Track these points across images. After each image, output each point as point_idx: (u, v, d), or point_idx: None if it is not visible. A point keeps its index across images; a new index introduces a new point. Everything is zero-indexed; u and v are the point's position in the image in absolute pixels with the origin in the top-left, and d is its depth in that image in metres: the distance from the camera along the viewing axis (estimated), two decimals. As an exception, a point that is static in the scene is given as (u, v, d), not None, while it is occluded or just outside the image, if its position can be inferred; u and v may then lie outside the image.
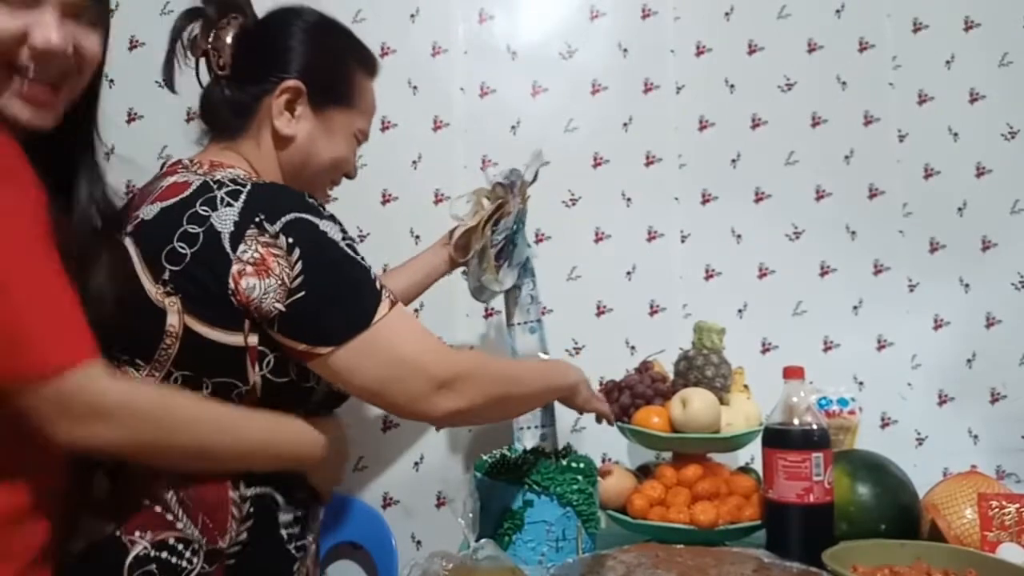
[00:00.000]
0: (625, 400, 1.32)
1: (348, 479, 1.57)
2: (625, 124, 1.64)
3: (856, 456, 1.24)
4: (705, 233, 1.62)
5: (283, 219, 0.88)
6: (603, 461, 1.53)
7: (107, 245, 0.88)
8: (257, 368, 0.89)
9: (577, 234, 1.62)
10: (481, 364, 0.99)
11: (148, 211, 0.91)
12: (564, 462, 1.20)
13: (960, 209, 1.62)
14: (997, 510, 1.08)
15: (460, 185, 1.55)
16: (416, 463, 1.59)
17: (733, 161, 1.64)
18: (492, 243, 1.31)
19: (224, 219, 0.88)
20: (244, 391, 0.89)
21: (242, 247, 0.86)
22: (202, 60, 1.03)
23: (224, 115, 1.02)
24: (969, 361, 1.60)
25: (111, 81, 1.60)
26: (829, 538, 1.09)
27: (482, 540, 1.02)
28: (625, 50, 1.65)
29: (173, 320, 0.86)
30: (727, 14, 1.65)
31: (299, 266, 0.86)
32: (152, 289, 0.87)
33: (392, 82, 1.62)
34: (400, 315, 0.91)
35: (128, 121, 1.61)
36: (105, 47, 0.89)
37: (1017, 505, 1.08)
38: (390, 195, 1.61)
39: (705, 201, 1.63)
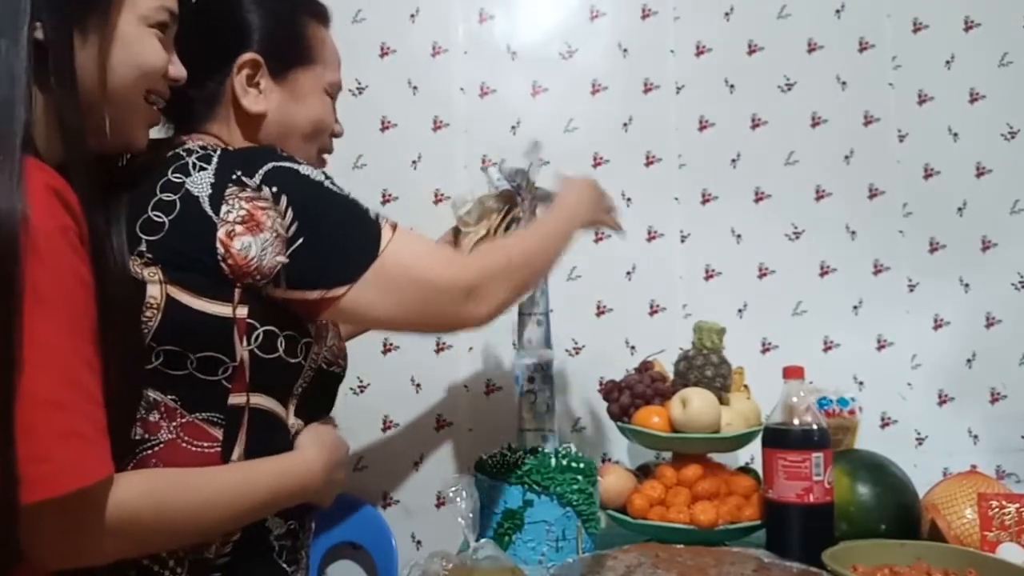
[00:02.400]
0: (625, 400, 1.32)
1: (348, 479, 1.57)
2: (625, 124, 1.64)
3: (856, 456, 1.24)
4: (705, 233, 1.62)
5: (262, 170, 0.84)
6: (603, 461, 1.53)
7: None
8: (245, 342, 0.84)
9: (577, 234, 1.61)
10: (497, 259, 0.95)
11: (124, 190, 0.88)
12: (564, 462, 1.19)
13: (960, 209, 1.62)
14: (997, 510, 1.08)
15: (460, 185, 1.56)
16: (416, 463, 1.59)
17: (733, 161, 1.64)
18: None
19: (200, 183, 0.84)
20: (231, 368, 0.85)
21: (224, 208, 0.82)
22: None
23: (190, 109, 0.98)
24: (969, 361, 1.60)
25: None
26: (829, 538, 1.09)
27: (482, 540, 1.02)
28: (625, 50, 1.65)
29: (154, 291, 0.82)
30: (727, 14, 1.65)
31: (290, 213, 0.83)
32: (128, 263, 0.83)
33: (392, 82, 1.63)
34: (405, 237, 0.89)
35: None
36: None
37: (1017, 505, 1.08)
38: (390, 195, 1.61)
39: (705, 201, 1.63)
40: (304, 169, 0.87)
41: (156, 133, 0.99)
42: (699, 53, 1.65)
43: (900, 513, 1.16)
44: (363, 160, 1.61)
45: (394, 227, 0.88)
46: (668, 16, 1.65)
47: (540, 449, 1.24)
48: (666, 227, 1.62)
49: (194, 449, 0.84)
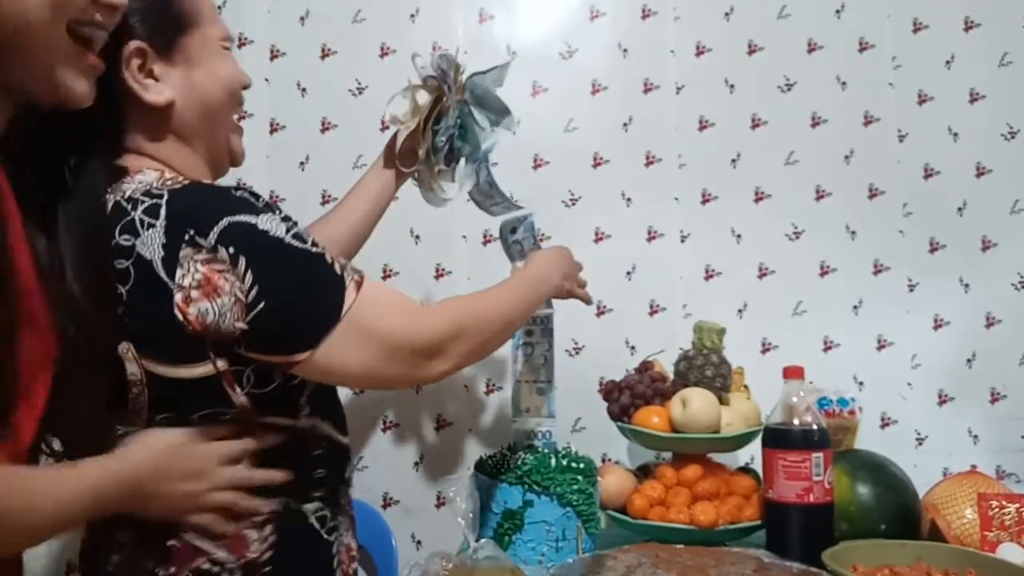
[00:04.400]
0: (625, 400, 1.32)
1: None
2: (625, 124, 1.64)
3: (856, 456, 1.24)
4: (705, 233, 1.62)
5: (216, 227, 0.78)
6: (603, 461, 1.53)
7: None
8: (239, 389, 0.82)
9: (577, 234, 1.61)
10: (461, 317, 0.93)
11: None
12: (564, 462, 1.19)
13: (960, 209, 1.62)
14: (997, 510, 1.08)
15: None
16: (416, 463, 1.59)
17: (733, 161, 1.64)
18: (435, 147, 1.20)
19: (150, 243, 0.78)
20: (231, 414, 0.84)
21: (180, 272, 0.77)
22: None
23: (106, 131, 0.86)
24: (969, 361, 1.60)
25: None
26: (829, 538, 1.09)
27: (482, 540, 1.02)
28: (625, 50, 1.65)
29: (132, 368, 0.79)
30: (727, 14, 1.65)
31: (249, 276, 0.78)
32: None
33: (392, 82, 1.62)
34: (369, 293, 0.85)
35: None
36: None
37: (1017, 505, 1.08)
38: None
39: (705, 201, 1.63)
40: (263, 223, 0.80)
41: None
42: (699, 53, 1.65)
43: (900, 513, 1.17)
44: (363, 160, 1.61)
45: (359, 283, 0.85)
46: (668, 16, 1.65)
47: (536, 440, 1.23)
48: (666, 227, 1.62)
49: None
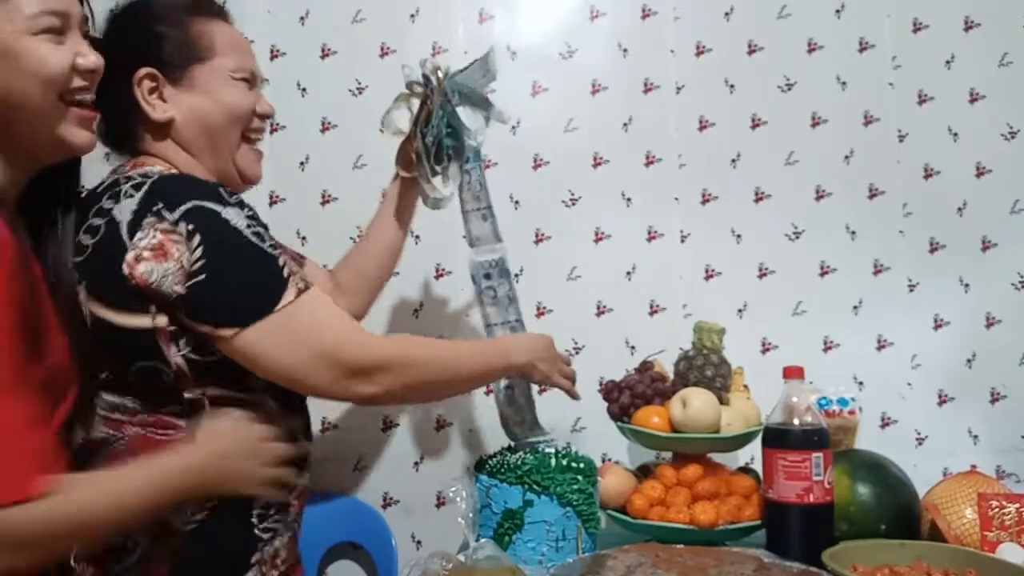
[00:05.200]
0: (625, 400, 1.32)
1: (348, 479, 1.57)
2: (625, 124, 1.64)
3: (856, 456, 1.24)
4: (705, 233, 1.62)
5: (182, 207, 0.88)
6: (603, 461, 1.53)
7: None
8: (174, 349, 0.89)
9: (577, 234, 1.62)
10: (403, 353, 0.98)
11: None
12: (564, 462, 1.19)
13: (960, 209, 1.62)
14: (997, 510, 1.08)
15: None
16: (416, 463, 1.59)
17: (733, 161, 1.64)
18: (425, 148, 1.23)
19: (124, 210, 0.89)
20: (172, 375, 0.90)
21: (139, 234, 0.87)
22: None
23: (124, 138, 1.02)
24: (969, 361, 1.60)
25: None
26: (829, 538, 1.09)
27: (482, 540, 1.02)
28: (625, 50, 1.65)
29: (84, 310, 0.88)
30: (727, 14, 1.65)
31: (199, 251, 0.87)
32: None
33: (392, 82, 1.62)
34: (311, 302, 0.92)
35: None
36: None
37: (1017, 505, 1.08)
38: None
39: (705, 201, 1.63)
40: (227, 212, 0.90)
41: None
42: (699, 53, 1.65)
43: (900, 513, 1.16)
44: (363, 160, 1.62)
45: (302, 290, 0.91)
46: (668, 16, 1.65)
47: (538, 449, 1.23)
48: (666, 227, 1.62)
49: (158, 437, 0.90)
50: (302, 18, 1.65)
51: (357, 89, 1.63)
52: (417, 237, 1.58)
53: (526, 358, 1.17)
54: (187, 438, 0.89)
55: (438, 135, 1.24)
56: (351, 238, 1.57)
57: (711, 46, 1.65)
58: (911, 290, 1.61)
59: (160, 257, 0.86)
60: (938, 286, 1.61)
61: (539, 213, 1.61)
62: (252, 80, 1.07)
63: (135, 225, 0.87)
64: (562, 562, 1.11)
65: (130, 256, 0.86)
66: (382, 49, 1.63)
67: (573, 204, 1.62)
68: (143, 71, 0.98)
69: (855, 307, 1.61)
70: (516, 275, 1.41)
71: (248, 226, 0.91)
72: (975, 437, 1.58)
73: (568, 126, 1.63)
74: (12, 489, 0.72)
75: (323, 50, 1.63)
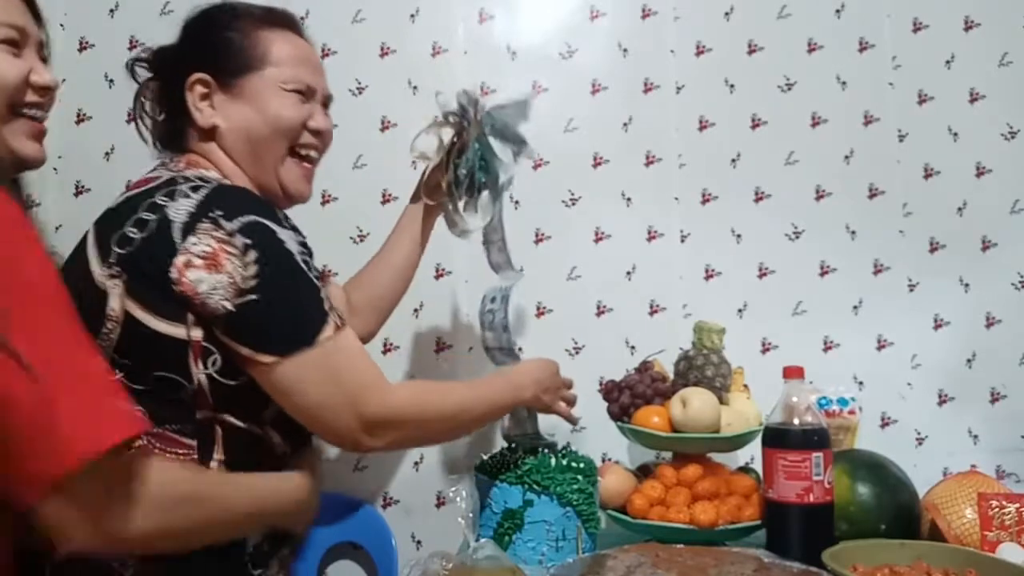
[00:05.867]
0: (625, 400, 1.32)
1: (348, 479, 1.57)
2: (625, 124, 1.64)
3: (856, 456, 1.24)
4: (705, 233, 1.62)
5: (241, 219, 0.86)
6: (603, 461, 1.53)
7: None
8: (201, 365, 0.86)
9: (577, 234, 1.62)
10: (414, 405, 0.97)
11: (116, 200, 0.93)
12: (564, 462, 1.19)
13: (960, 209, 1.62)
14: (997, 510, 1.08)
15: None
16: (416, 463, 1.59)
17: (733, 161, 1.64)
18: (457, 179, 1.25)
19: (179, 209, 0.86)
20: (191, 391, 0.87)
21: (192, 238, 0.85)
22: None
23: (173, 137, 1.05)
24: (969, 361, 1.60)
25: (111, 81, 1.62)
26: (829, 538, 1.09)
27: (482, 540, 1.02)
28: (625, 50, 1.65)
29: (114, 304, 0.85)
30: (727, 14, 1.65)
31: (254, 268, 0.85)
32: (97, 270, 0.86)
33: (392, 82, 1.63)
34: (346, 341, 0.90)
35: (128, 121, 1.60)
36: None
37: (1017, 505, 1.08)
38: (390, 195, 1.61)
39: (705, 201, 1.63)
40: (283, 233, 0.89)
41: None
42: (699, 53, 1.65)
43: (900, 513, 1.16)
44: (363, 160, 1.61)
45: (339, 327, 0.90)
46: (668, 16, 1.65)
47: (541, 451, 1.23)
48: (666, 227, 1.62)
49: (168, 455, 0.86)
50: (302, 18, 1.61)
51: (357, 89, 1.63)
52: (417, 237, 1.58)
53: (532, 392, 1.16)
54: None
55: (472, 167, 1.25)
56: (351, 238, 1.57)
57: (711, 46, 1.65)
58: (911, 290, 1.61)
59: (212, 268, 0.84)
60: (938, 286, 1.61)
61: (539, 213, 1.61)
62: (307, 93, 1.06)
63: (189, 228, 0.85)
64: (562, 562, 1.11)
65: (180, 260, 0.84)
66: (382, 49, 1.63)
67: (573, 204, 1.62)
68: (196, 76, 1.00)
69: (855, 307, 1.61)
70: (516, 275, 1.41)
71: (299, 252, 0.90)
72: (975, 437, 1.58)
73: (568, 126, 1.63)
74: (123, 428, 0.71)
75: (323, 50, 1.63)
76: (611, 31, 1.65)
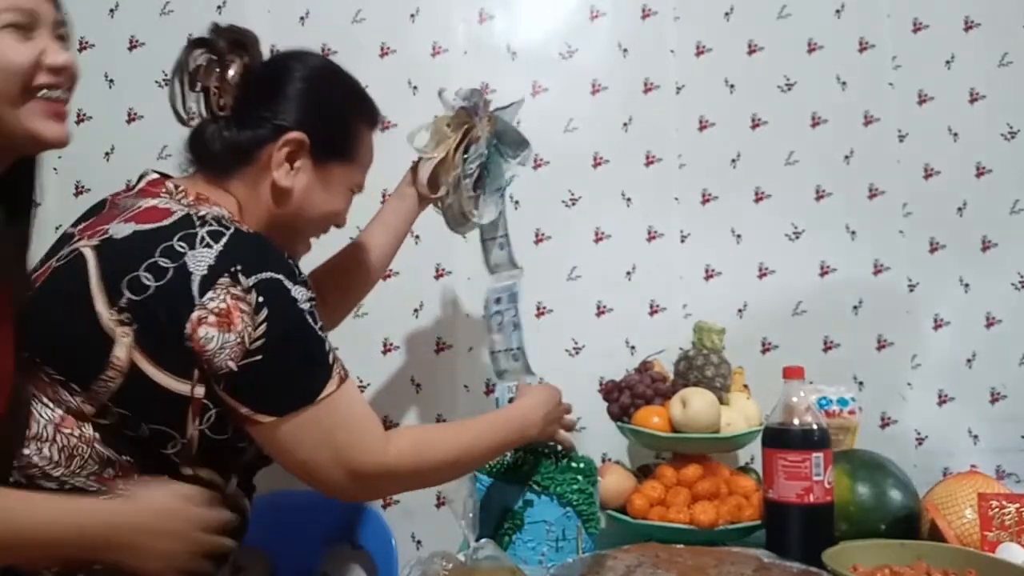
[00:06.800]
0: (625, 400, 1.32)
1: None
2: (625, 124, 1.64)
3: (856, 456, 1.24)
4: (705, 233, 1.62)
5: (257, 276, 0.85)
6: (603, 461, 1.53)
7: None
8: (197, 422, 0.86)
9: (577, 234, 1.62)
10: (411, 457, 0.94)
11: (119, 229, 0.88)
12: (564, 462, 1.19)
13: (960, 209, 1.62)
14: (997, 510, 1.08)
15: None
16: (416, 463, 1.59)
17: (733, 161, 1.64)
18: (466, 173, 1.24)
19: (199, 261, 0.84)
20: (180, 444, 0.86)
21: (210, 294, 0.83)
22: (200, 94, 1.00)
23: (219, 155, 0.98)
24: (969, 361, 1.60)
25: (111, 81, 1.62)
26: (829, 538, 1.09)
27: (482, 540, 1.02)
28: (625, 50, 1.65)
29: (120, 353, 0.82)
30: (727, 14, 1.65)
31: (263, 328, 0.84)
32: (104, 313, 0.83)
33: (392, 82, 1.63)
34: (346, 394, 0.90)
35: (128, 121, 1.61)
36: None
37: (1017, 505, 1.08)
38: (390, 195, 1.60)
39: (705, 201, 1.63)
40: (295, 292, 0.88)
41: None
42: (699, 53, 1.65)
43: (900, 513, 1.16)
44: (363, 160, 1.61)
45: (342, 379, 0.89)
46: (668, 16, 1.65)
47: (541, 451, 1.23)
48: (666, 227, 1.62)
49: None
50: (302, 18, 1.65)
51: (357, 89, 1.62)
52: (417, 237, 1.58)
53: (539, 428, 1.12)
54: (128, 495, 0.84)
55: (483, 162, 1.26)
56: (350, 237, 1.57)
57: (711, 46, 1.65)
58: (911, 290, 1.61)
59: (224, 326, 0.83)
60: (938, 286, 1.61)
61: (539, 213, 1.61)
62: (355, 194, 1.09)
63: (209, 282, 0.83)
64: (562, 562, 1.10)
65: (195, 315, 0.82)
66: (382, 49, 1.63)
67: (573, 204, 1.62)
68: (297, 135, 0.97)
69: (855, 307, 1.61)
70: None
71: (309, 307, 0.89)
72: (975, 437, 1.58)
73: (568, 126, 1.63)
74: None
75: (323, 50, 1.63)
76: (611, 31, 1.65)
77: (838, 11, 1.65)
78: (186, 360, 0.83)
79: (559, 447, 1.23)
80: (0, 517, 0.75)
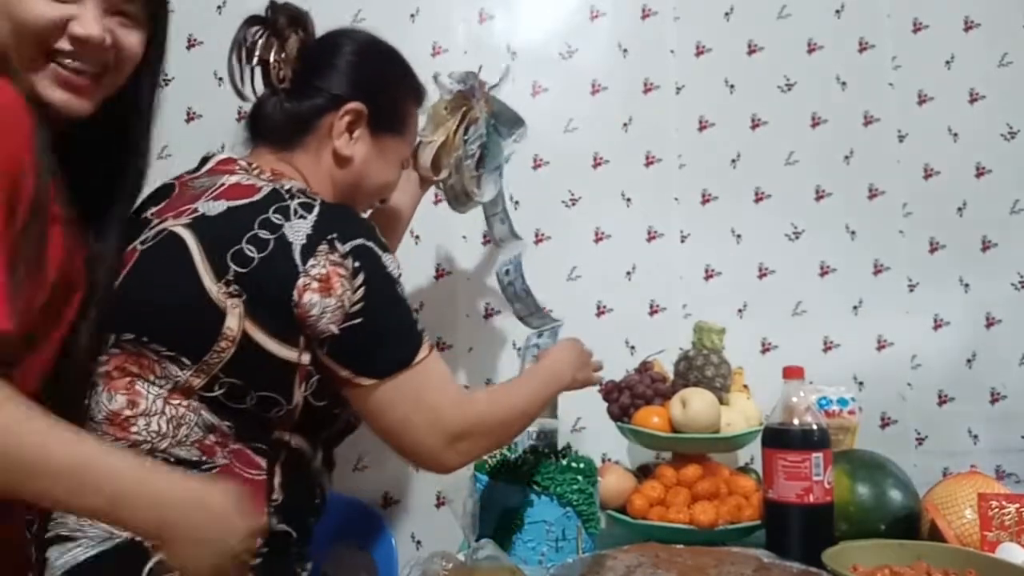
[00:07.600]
0: (625, 400, 1.32)
1: (348, 479, 1.57)
2: (625, 124, 1.64)
3: (856, 456, 1.24)
4: (705, 233, 1.62)
5: (353, 242, 0.89)
6: (603, 461, 1.53)
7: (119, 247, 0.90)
8: (303, 388, 0.89)
9: (577, 234, 1.62)
10: (493, 410, 1.00)
11: (211, 207, 0.90)
12: (564, 462, 1.19)
13: (960, 209, 1.62)
14: (997, 510, 1.08)
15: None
16: (416, 463, 1.59)
17: (733, 161, 1.64)
18: (467, 154, 1.28)
19: (297, 230, 0.87)
20: (285, 410, 0.89)
21: (312, 261, 0.86)
22: (257, 69, 1.03)
23: (280, 127, 1.02)
24: (969, 361, 1.60)
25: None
26: (829, 538, 1.09)
27: (482, 540, 1.02)
28: (625, 50, 1.65)
29: (232, 323, 0.85)
30: (727, 14, 1.65)
31: (361, 292, 0.88)
32: (213, 287, 0.85)
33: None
34: (435, 360, 0.94)
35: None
36: (154, 49, 0.92)
37: (1017, 505, 1.08)
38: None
39: (705, 201, 1.63)
40: (386, 259, 0.92)
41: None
42: (699, 53, 1.65)
43: (900, 513, 1.16)
44: (363, 160, 1.61)
45: (432, 346, 0.93)
46: (668, 16, 1.65)
47: (540, 448, 1.23)
48: (666, 227, 1.62)
49: (246, 476, 0.87)
50: None
51: (357, 89, 1.62)
52: (417, 237, 1.58)
53: (570, 375, 1.17)
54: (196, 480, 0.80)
55: (484, 142, 1.30)
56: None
57: (711, 46, 1.65)
58: (911, 290, 1.61)
59: (325, 291, 0.86)
60: (938, 286, 1.61)
61: (539, 213, 1.61)
62: (405, 167, 1.14)
63: (309, 251, 0.87)
64: (562, 562, 1.10)
65: (301, 282, 0.86)
66: (382, 49, 1.63)
67: (573, 204, 1.62)
68: (357, 105, 1.01)
69: (855, 307, 1.61)
70: (516, 275, 1.41)
71: (398, 276, 0.93)
72: (975, 437, 1.58)
73: (568, 126, 1.63)
74: None
75: (323, 50, 1.63)
76: (611, 31, 1.65)
77: (838, 11, 1.65)
78: (293, 327, 0.86)
79: (573, 459, 1.24)
80: (78, 460, 0.70)
